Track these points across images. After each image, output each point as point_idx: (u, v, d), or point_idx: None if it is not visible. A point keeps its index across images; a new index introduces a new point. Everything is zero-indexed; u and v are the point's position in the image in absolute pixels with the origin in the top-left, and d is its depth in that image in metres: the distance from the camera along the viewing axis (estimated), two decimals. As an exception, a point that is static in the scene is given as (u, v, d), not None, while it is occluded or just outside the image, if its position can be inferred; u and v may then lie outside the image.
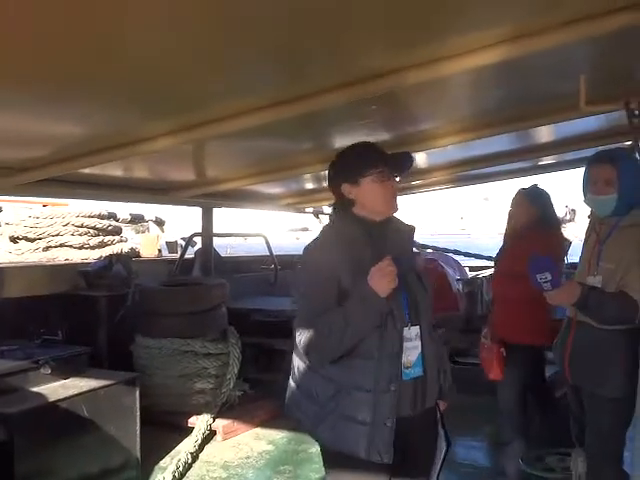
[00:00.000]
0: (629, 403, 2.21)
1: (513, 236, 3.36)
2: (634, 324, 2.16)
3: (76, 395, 3.21)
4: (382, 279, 1.77)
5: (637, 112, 2.08)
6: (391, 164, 1.93)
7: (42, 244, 6.16)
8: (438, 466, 2.00)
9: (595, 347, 2.37)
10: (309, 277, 1.91)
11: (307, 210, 6.80)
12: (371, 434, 1.79)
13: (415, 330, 1.88)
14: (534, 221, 3.26)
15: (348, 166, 1.95)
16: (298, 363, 1.97)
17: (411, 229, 2.07)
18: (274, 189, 5.54)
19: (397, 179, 1.97)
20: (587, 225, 2.58)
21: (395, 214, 2.01)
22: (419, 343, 1.89)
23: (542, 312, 3.17)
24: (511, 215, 3.37)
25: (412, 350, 1.87)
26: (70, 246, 6.10)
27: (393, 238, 1.97)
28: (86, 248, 6.12)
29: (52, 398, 3.12)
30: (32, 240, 6.23)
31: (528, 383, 3.29)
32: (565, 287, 2.26)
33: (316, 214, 6.81)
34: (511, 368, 3.17)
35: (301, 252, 1.98)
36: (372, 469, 1.83)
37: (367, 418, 1.79)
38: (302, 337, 1.83)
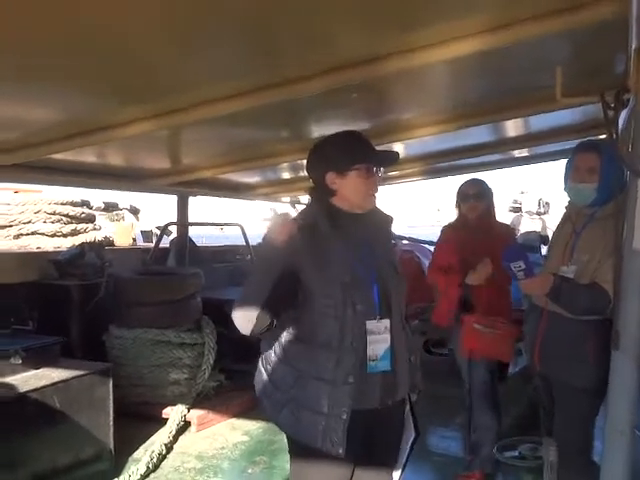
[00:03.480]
0: (599, 393, 2.24)
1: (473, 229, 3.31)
2: (605, 315, 2.18)
3: (48, 386, 3.16)
4: (279, 226, 1.77)
5: (612, 105, 2.08)
6: (378, 160, 1.92)
7: (13, 231, 6.06)
8: (405, 455, 2.00)
9: (566, 337, 2.39)
10: (266, 254, 1.84)
11: (284, 200, 6.78)
12: (326, 424, 1.78)
13: (385, 323, 1.86)
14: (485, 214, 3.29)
15: (337, 155, 1.89)
16: (265, 350, 1.97)
17: (389, 219, 2.05)
18: (251, 178, 5.50)
19: (380, 175, 1.95)
20: (562, 215, 2.60)
21: (378, 207, 2.00)
22: (388, 336, 1.85)
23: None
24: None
25: (379, 344, 1.84)
26: (42, 234, 6.02)
27: (370, 230, 1.95)
28: (58, 236, 6.03)
29: (23, 389, 3.07)
30: (3, 227, 6.13)
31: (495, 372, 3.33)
32: (539, 277, 2.29)
33: (293, 204, 6.79)
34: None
35: None
36: (335, 460, 1.81)
37: (323, 408, 1.78)
38: (235, 305, 1.81)
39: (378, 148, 2.00)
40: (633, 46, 1.95)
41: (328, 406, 1.77)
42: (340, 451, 1.77)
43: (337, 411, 1.77)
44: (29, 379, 3.20)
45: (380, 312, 1.86)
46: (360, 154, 1.88)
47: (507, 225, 3.71)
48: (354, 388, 1.78)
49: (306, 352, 1.83)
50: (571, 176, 2.42)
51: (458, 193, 3.35)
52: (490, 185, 3.37)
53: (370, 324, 1.83)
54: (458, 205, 3.36)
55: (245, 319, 1.78)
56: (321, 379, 1.79)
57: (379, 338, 1.84)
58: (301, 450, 1.88)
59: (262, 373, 1.97)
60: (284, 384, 1.86)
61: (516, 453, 3.42)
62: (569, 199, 2.52)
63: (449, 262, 3.26)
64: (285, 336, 1.89)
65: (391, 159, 1.96)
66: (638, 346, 2.01)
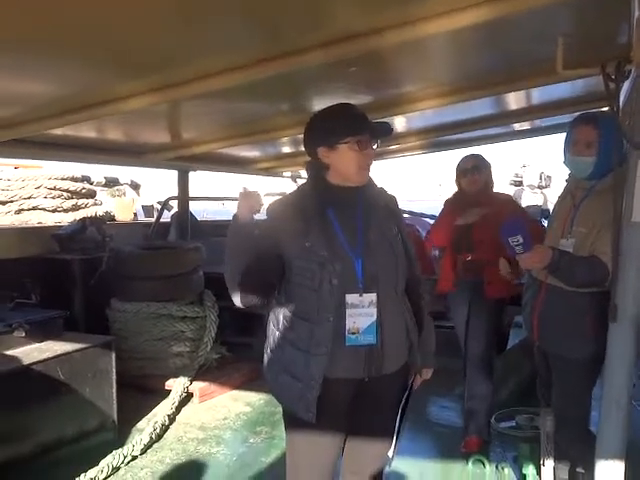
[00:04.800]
0: (596, 365, 2.27)
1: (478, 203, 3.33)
2: (604, 287, 2.20)
3: (51, 358, 3.21)
4: (242, 201, 1.84)
5: (613, 77, 2.06)
6: (370, 133, 1.88)
7: (14, 207, 6.07)
8: (396, 429, 2.02)
9: (564, 310, 2.40)
10: (235, 230, 1.90)
11: (285, 174, 6.75)
12: (300, 390, 1.84)
13: (370, 297, 1.85)
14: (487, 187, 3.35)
15: (327, 129, 1.89)
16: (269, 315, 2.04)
17: (392, 200, 2.05)
18: (251, 152, 5.48)
19: (374, 147, 1.92)
20: (563, 188, 2.60)
21: (374, 182, 2.00)
22: (374, 311, 1.85)
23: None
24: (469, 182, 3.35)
25: (362, 317, 1.84)
26: (43, 209, 6.03)
27: (365, 204, 1.94)
28: (59, 211, 6.04)
29: (27, 361, 3.12)
30: (4, 203, 6.14)
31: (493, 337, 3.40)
32: (537, 250, 2.28)
33: (294, 178, 6.77)
34: (480, 321, 3.28)
35: None
36: (324, 429, 1.88)
37: (299, 375, 1.85)
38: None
39: (378, 121, 1.98)
40: (636, 16, 1.93)
41: (303, 374, 1.84)
42: (311, 416, 1.83)
43: (308, 379, 1.83)
44: (32, 352, 3.24)
45: (364, 286, 1.85)
46: (350, 127, 1.86)
47: (507, 195, 3.74)
48: (327, 359, 1.82)
49: (287, 320, 1.90)
50: (569, 149, 2.41)
51: (457, 169, 3.39)
52: (491, 159, 3.40)
53: (351, 297, 1.84)
54: (458, 181, 3.38)
55: (232, 292, 1.90)
56: (297, 348, 1.86)
57: (362, 312, 1.85)
58: (291, 418, 1.95)
59: (266, 342, 2.05)
60: (272, 347, 1.96)
61: (513, 423, 3.46)
62: (569, 172, 2.52)
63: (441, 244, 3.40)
64: (275, 306, 1.97)
65: (384, 131, 1.92)
66: (635, 318, 2.03)
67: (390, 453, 2.03)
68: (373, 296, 1.86)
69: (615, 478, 2.08)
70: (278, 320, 1.94)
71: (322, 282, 1.83)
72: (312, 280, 1.83)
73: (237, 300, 1.90)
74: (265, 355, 2.02)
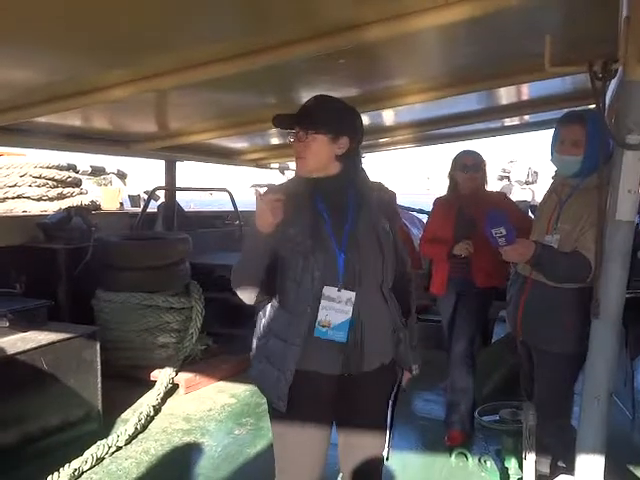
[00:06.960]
0: (578, 359, 2.29)
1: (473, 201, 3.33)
2: (586, 283, 2.22)
3: (35, 348, 3.19)
4: (263, 210, 1.72)
5: (600, 75, 2.07)
6: (277, 123, 1.95)
7: (-1, 195, 5.99)
8: (387, 431, 2.02)
9: (548, 305, 2.43)
10: (251, 229, 1.87)
11: (272, 166, 6.74)
12: (276, 379, 1.86)
13: (347, 295, 1.84)
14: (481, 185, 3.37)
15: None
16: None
17: (389, 195, 2.03)
18: (239, 144, 5.47)
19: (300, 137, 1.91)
20: (549, 185, 2.61)
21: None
22: (349, 309, 1.83)
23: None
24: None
25: (336, 313, 1.83)
26: (28, 197, 5.95)
27: (352, 198, 1.91)
28: (44, 200, 5.97)
29: (10, 351, 3.09)
30: (-12, 191, 6.05)
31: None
32: (519, 244, 2.29)
33: (281, 170, 6.76)
34: (465, 316, 3.32)
35: None
36: (306, 422, 1.89)
37: (277, 364, 1.86)
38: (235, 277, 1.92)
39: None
40: (623, 15, 1.94)
41: (279, 362, 1.85)
42: (281, 405, 1.85)
43: (283, 368, 1.84)
44: (16, 342, 3.22)
45: (344, 282, 1.83)
46: (283, 123, 1.95)
47: (498, 192, 3.76)
48: (301, 350, 1.82)
49: (272, 311, 1.92)
50: (556, 148, 2.42)
51: (455, 163, 3.35)
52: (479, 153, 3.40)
53: (328, 290, 1.83)
54: (452, 174, 3.37)
55: (245, 291, 1.89)
56: (278, 337, 1.88)
57: (337, 307, 1.83)
58: (273, 410, 1.93)
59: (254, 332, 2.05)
60: (258, 336, 1.97)
61: (496, 417, 3.49)
62: (555, 170, 2.53)
63: (441, 234, 3.32)
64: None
65: (284, 118, 1.95)
66: (617, 315, 2.06)
67: (385, 452, 2.03)
68: (351, 294, 1.84)
69: (595, 472, 2.11)
70: (265, 310, 1.96)
71: (304, 274, 1.83)
72: (294, 271, 1.84)
73: (250, 298, 1.90)
74: (253, 344, 2.03)
